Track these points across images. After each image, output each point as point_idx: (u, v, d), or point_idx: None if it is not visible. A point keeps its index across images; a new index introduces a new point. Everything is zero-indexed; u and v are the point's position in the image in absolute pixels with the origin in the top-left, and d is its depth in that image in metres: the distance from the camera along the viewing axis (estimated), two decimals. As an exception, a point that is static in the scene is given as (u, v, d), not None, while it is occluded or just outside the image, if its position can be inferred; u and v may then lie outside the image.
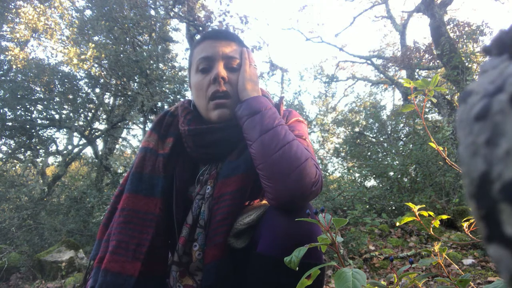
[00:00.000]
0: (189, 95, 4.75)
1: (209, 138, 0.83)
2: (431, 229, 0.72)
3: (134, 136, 7.32)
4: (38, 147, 5.46)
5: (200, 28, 4.63)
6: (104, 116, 6.23)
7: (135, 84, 4.68)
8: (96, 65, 4.43)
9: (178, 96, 4.35)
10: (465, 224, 0.71)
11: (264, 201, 0.87)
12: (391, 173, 4.22)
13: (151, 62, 4.32)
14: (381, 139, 6.02)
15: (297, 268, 0.53)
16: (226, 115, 0.83)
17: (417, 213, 0.71)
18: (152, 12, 5.15)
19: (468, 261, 2.20)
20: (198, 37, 5.29)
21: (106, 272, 0.71)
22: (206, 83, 0.84)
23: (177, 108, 0.94)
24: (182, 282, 0.79)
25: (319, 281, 0.69)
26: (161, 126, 0.90)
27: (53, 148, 5.96)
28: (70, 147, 6.48)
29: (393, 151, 4.72)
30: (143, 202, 0.79)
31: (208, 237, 0.77)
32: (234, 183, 0.79)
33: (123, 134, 7.18)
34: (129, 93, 4.53)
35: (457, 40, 5.77)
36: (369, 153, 5.75)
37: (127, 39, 4.56)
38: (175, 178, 0.84)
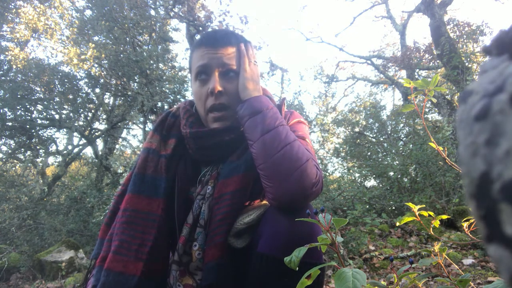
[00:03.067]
0: (189, 95, 4.75)
1: (210, 141, 0.83)
2: (431, 229, 0.72)
3: (134, 136, 7.32)
4: (38, 147, 5.46)
5: (200, 28, 4.63)
6: (104, 116, 6.23)
7: (135, 84, 4.67)
8: (96, 65, 4.43)
9: (178, 96, 4.35)
10: (465, 224, 0.71)
11: (265, 201, 0.87)
12: (391, 173, 4.23)
13: (151, 62, 4.32)
14: (381, 139, 6.02)
15: (297, 268, 0.53)
16: (226, 126, 0.84)
17: (417, 213, 0.71)
18: (152, 12, 5.15)
19: (468, 261, 2.20)
20: (198, 37, 5.29)
21: (108, 271, 0.72)
22: (204, 95, 0.84)
23: (179, 109, 0.94)
24: (182, 281, 0.80)
25: (319, 281, 0.69)
26: (163, 127, 0.91)
27: (53, 148, 5.96)
28: (70, 147, 6.48)
29: (393, 151, 4.72)
30: (145, 202, 0.79)
31: (208, 236, 0.78)
32: (234, 183, 0.79)
33: (123, 134, 7.18)
34: (129, 93, 4.53)
35: (457, 40, 5.76)
36: (369, 153, 5.75)
37: (127, 39, 4.55)
38: (177, 179, 0.85)
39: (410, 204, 0.71)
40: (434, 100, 0.75)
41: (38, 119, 5.26)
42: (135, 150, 7.42)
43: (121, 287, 0.71)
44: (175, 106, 0.99)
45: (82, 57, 4.10)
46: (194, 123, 0.86)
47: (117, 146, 7.13)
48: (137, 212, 0.78)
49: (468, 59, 5.31)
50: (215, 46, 0.85)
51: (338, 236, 0.55)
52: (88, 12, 5.10)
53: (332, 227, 0.55)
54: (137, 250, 0.74)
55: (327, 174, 4.97)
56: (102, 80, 4.79)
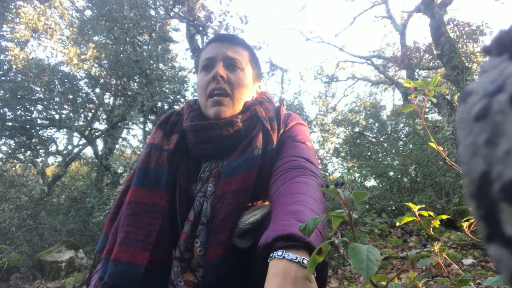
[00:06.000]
0: (189, 95, 4.76)
1: (208, 133, 0.85)
2: (431, 229, 0.72)
3: (134, 136, 7.32)
4: (38, 147, 5.46)
5: (200, 28, 4.63)
6: (104, 116, 6.23)
7: (135, 84, 4.67)
8: (96, 65, 4.43)
9: (178, 96, 4.35)
10: (465, 224, 0.71)
11: (267, 202, 0.87)
12: (391, 173, 4.22)
13: (151, 62, 4.32)
14: (381, 139, 6.01)
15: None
16: (223, 112, 0.86)
17: (417, 213, 0.71)
18: (152, 12, 5.14)
19: (468, 261, 2.20)
20: (198, 37, 5.30)
21: (116, 262, 0.73)
22: (206, 81, 0.88)
23: (183, 108, 0.98)
24: (183, 277, 0.80)
25: (323, 278, 0.66)
26: (167, 124, 0.94)
27: (53, 148, 5.96)
28: (70, 147, 6.49)
29: (393, 151, 4.71)
30: (149, 195, 0.81)
31: (211, 234, 0.78)
32: (236, 181, 0.80)
33: (123, 134, 7.18)
34: (129, 93, 4.53)
35: (457, 40, 5.77)
36: (369, 153, 5.75)
37: (127, 39, 4.55)
38: (178, 175, 0.86)
39: (410, 204, 0.71)
40: (434, 100, 0.75)
41: (38, 119, 5.26)
42: (135, 150, 7.43)
43: (129, 277, 0.72)
44: (177, 107, 1.02)
45: (82, 57, 4.10)
46: (195, 117, 0.89)
47: (117, 146, 7.13)
48: (141, 204, 0.80)
49: (468, 59, 5.31)
50: (223, 42, 0.91)
51: (355, 213, 0.52)
52: (88, 12, 5.10)
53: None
54: (143, 240, 0.76)
55: (327, 174, 4.96)
56: (102, 80, 4.79)
